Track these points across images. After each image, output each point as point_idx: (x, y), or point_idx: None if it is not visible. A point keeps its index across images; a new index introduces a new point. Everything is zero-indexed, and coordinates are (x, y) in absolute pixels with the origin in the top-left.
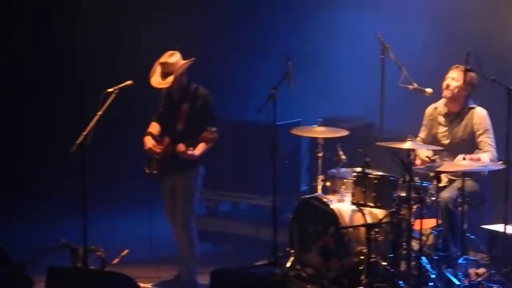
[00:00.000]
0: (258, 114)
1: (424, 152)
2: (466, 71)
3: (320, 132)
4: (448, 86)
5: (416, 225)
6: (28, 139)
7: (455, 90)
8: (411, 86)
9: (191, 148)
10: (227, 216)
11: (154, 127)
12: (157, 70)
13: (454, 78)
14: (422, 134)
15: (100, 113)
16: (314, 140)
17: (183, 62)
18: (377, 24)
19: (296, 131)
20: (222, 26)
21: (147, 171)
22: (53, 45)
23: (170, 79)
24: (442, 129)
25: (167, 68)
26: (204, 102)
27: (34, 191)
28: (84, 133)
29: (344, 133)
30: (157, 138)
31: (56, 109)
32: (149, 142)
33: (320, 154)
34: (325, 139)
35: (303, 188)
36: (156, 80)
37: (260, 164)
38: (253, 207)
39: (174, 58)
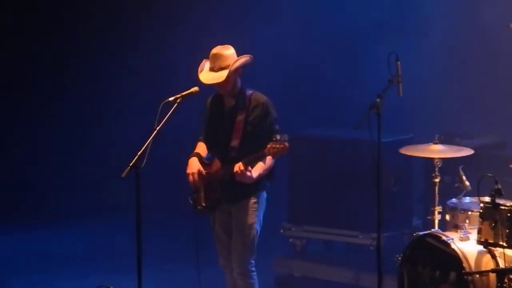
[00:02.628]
0: (357, 129)
1: None
2: None
3: (437, 151)
4: None
5: None
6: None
7: None
8: None
9: (250, 168)
10: (319, 258)
11: (202, 148)
12: (206, 66)
13: None
14: None
15: (158, 127)
16: (429, 161)
17: (238, 57)
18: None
19: (407, 151)
20: (305, 19)
21: (194, 204)
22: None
23: (224, 73)
24: None
25: (221, 61)
26: (262, 111)
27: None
28: (139, 153)
29: (467, 152)
30: (205, 161)
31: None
32: (195, 165)
33: (437, 180)
34: (444, 160)
35: (415, 223)
36: (206, 76)
37: (360, 193)
38: (351, 247)
39: (229, 50)
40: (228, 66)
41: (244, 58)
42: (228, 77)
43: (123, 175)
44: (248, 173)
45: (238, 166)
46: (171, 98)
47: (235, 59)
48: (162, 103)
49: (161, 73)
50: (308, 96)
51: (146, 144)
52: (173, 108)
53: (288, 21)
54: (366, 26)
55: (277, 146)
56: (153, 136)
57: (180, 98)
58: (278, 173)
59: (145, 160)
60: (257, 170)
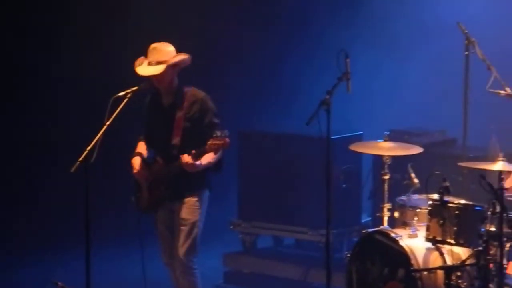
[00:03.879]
0: (307, 126)
1: None
2: None
3: (386, 148)
4: None
5: (510, 268)
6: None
7: None
8: (503, 92)
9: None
10: (268, 254)
11: (143, 147)
12: (144, 61)
13: None
14: None
15: (107, 123)
16: (378, 158)
17: (177, 54)
18: (460, 12)
19: (356, 147)
20: (257, 20)
21: (137, 204)
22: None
23: (162, 67)
24: None
25: (159, 55)
26: (201, 107)
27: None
28: (88, 148)
29: (417, 150)
30: (147, 161)
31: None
32: (138, 164)
33: (386, 177)
34: (393, 157)
35: (364, 220)
36: (143, 69)
37: (310, 189)
38: (300, 243)
39: (168, 47)
40: (166, 61)
41: (183, 56)
42: (165, 71)
43: (72, 169)
44: (198, 163)
45: (184, 158)
46: (121, 93)
47: (175, 54)
48: (112, 99)
49: (112, 68)
50: (258, 92)
51: (95, 139)
52: (123, 103)
53: (239, 14)
54: (317, 21)
55: (217, 142)
56: (103, 131)
57: (130, 93)
58: (227, 168)
59: (94, 155)
60: (206, 159)
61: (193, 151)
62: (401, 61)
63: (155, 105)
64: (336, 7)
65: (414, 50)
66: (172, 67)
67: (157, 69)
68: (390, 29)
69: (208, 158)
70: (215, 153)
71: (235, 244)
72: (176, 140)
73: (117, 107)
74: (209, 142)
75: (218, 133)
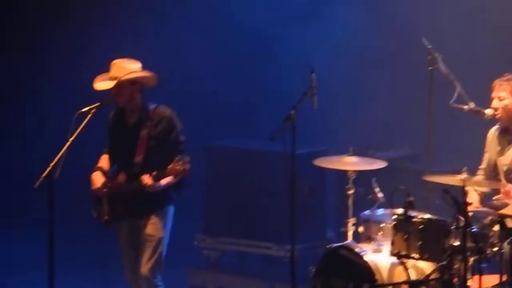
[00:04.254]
0: (272, 141)
1: (474, 193)
2: None
3: (350, 163)
4: (496, 109)
5: (474, 282)
6: None
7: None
8: (466, 107)
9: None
10: (233, 269)
11: (106, 161)
12: (106, 76)
13: (501, 98)
14: (484, 164)
15: (71, 138)
16: (343, 173)
17: (139, 71)
18: (423, 26)
19: (321, 162)
20: (220, 34)
21: (98, 217)
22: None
23: (112, 83)
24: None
25: (118, 71)
26: (167, 125)
27: None
28: (52, 164)
29: (381, 165)
30: (109, 175)
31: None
32: (98, 180)
33: (350, 192)
34: (358, 172)
35: (329, 235)
36: (100, 83)
37: (275, 204)
38: (265, 259)
39: (131, 64)
40: (119, 77)
41: (142, 73)
42: (118, 86)
43: (36, 185)
44: (157, 184)
45: (144, 179)
46: (85, 109)
47: (131, 70)
48: (76, 114)
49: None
50: (224, 106)
51: (59, 154)
52: (87, 119)
53: (201, 31)
54: (280, 37)
55: (178, 168)
56: (67, 146)
57: (94, 109)
58: (192, 184)
59: (58, 171)
60: (165, 180)
61: (154, 173)
62: (366, 75)
63: (119, 123)
64: (301, 20)
65: (379, 64)
66: (129, 84)
67: (108, 84)
68: (355, 43)
69: (167, 179)
70: (175, 177)
71: (200, 259)
72: (139, 158)
73: (81, 123)
74: (170, 167)
75: (180, 157)
